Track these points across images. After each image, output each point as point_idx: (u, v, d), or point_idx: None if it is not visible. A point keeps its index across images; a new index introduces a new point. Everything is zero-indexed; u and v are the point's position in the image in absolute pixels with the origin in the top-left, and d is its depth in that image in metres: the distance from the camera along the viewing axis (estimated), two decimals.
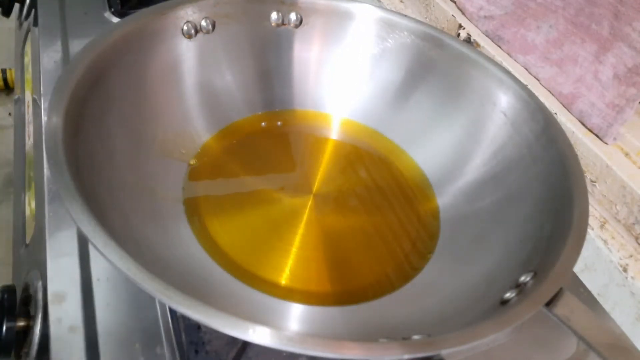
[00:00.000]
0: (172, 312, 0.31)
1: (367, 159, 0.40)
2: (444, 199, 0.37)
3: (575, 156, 0.30)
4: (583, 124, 0.40)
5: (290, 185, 0.37)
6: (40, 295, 0.32)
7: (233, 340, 0.29)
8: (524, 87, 0.35)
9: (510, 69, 0.44)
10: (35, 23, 0.55)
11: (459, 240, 0.34)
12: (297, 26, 0.40)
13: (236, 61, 0.40)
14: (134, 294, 0.31)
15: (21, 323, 0.31)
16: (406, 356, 0.19)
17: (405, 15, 0.40)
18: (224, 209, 0.35)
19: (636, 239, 0.35)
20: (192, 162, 0.37)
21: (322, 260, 0.33)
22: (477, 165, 0.36)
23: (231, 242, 0.32)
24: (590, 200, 0.37)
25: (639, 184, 0.35)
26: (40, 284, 0.32)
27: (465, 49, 0.38)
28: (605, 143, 0.38)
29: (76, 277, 0.32)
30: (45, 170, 0.38)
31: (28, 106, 0.53)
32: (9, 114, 1.17)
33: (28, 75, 0.56)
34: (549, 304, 0.23)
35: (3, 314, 0.31)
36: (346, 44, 0.41)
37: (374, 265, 0.33)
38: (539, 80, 0.44)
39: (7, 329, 0.31)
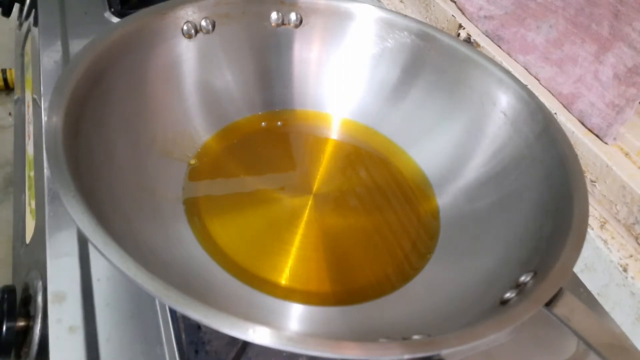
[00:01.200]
0: (172, 312, 0.31)
1: (367, 159, 0.40)
2: (444, 199, 0.37)
3: (575, 156, 0.30)
4: (583, 124, 0.40)
5: (290, 185, 0.37)
6: (40, 295, 0.32)
7: (233, 340, 0.29)
8: (523, 87, 0.35)
9: (510, 69, 0.44)
10: (35, 23, 0.55)
11: (459, 240, 0.34)
12: (297, 26, 0.40)
13: (236, 61, 0.40)
14: (134, 294, 0.31)
15: (21, 323, 0.31)
16: (406, 356, 0.19)
17: (405, 15, 0.40)
18: (224, 209, 0.35)
19: (636, 239, 0.35)
20: (192, 162, 0.37)
21: (322, 260, 0.33)
22: (477, 165, 0.36)
23: (231, 242, 0.32)
24: (590, 200, 0.37)
25: (639, 184, 0.35)
26: (40, 284, 0.32)
27: (465, 49, 0.38)
28: (605, 143, 0.38)
29: (76, 277, 0.32)
30: (45, 170, 0.38)
31: (28, 106, 0.54)
32: (9, 114, 1.18)
33: (28, 75, 0.56)
34: (549, 304, 0.23)
35: (3, 314, 0.31)
36: (346, 44, 0.41)
37: (374, 265, 0.33)
38: (539, 80, 0.44)
39: (7, 329, 0.31)
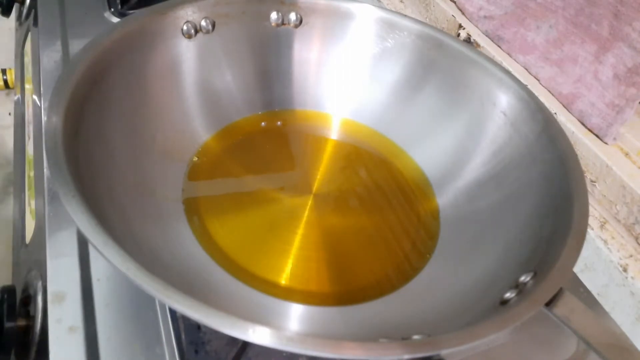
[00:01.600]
0: (172, 312, 0.31)
1: (367, 159, 0.40)
2: (444, 199, 0.37)
3: (575, 156, 0.30)
4: (583, 124, 0.40)
5: (290, 185, 0.37)
6: (40, 295, 0.32)
7: (233, 340, 0.29)
8: (523, 87, 0.35)
9: (510, 69, 0.44)
10: (35, 23, 0.55)
11: (459, 240, 0.34)
12: (297, 26, 0.40)
13: (236, 61, 0.40)
14: (134, 294, 0.31)
15: (21, 323, 0.31)
16: (406, 356, 0.19)
17: (405, 15, 0.40)
18: (223, 208, 0.35)
19: (636, 239, 0.35)
20: (192, 162, 0.37)
21: (322, 260, 0.33)
22: (477, 165, 0.36)
23: (231, 242, 0.32)
24: (590, 200, 0.37)
25: (639, 184, 0.35)
26: (40, 284, 0.32)
27: (465, 49, 0.38)
28: (605, 143, 0.38)
29: (76, 277, 0.32)
30: (45, 170, 0.38)
31: (28, 106, 0.53)
32: (9, 114, 1.17)
33: (28, 75, 0.56)
34: (549, 304, 0.23)
35: (3, 314, 0.31)
36: (346, 44, 0.41)
37: (374, 265, 0.33)
38: (539, 80, 0.44)
39: (7, 329, 0.31)
